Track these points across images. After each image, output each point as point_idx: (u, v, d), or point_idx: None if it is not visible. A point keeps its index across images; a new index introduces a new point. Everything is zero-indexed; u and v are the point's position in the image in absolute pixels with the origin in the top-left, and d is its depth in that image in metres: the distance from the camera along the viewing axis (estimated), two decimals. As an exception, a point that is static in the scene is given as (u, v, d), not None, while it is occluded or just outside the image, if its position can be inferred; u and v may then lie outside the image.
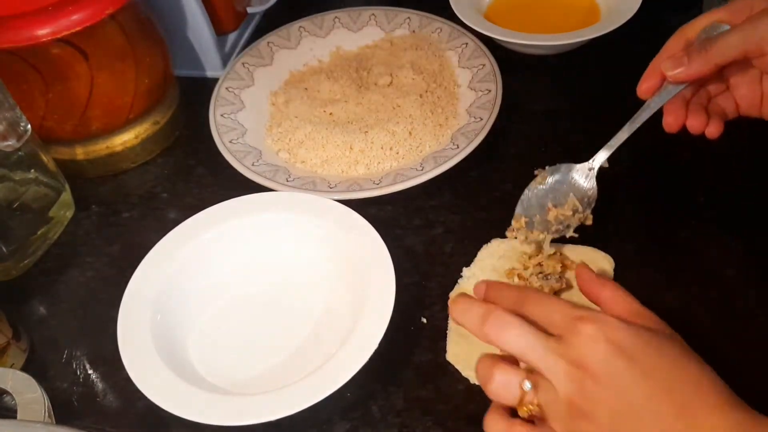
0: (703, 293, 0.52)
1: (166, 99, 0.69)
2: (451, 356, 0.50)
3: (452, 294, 0.53)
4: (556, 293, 0.52)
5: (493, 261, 0.55)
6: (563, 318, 0.37)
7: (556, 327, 0.37)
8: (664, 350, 0.36)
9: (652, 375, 0.35)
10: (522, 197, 0.54)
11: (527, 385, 0.37)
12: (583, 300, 0.51)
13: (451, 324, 0.52)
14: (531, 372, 0.37)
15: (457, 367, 0.49)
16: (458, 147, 0.61)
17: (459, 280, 0.54)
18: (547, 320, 0.38)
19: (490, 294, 0.42)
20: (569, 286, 0.52)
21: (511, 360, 0.39)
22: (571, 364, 0.35)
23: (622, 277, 0.53)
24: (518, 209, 0.54)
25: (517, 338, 0.37)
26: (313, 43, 0.76)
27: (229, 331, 0.53)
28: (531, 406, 0.37)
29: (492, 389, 0.38)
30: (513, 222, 0.54)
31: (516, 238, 0.53)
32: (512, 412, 0.39)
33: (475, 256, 0.56)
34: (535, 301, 0.39)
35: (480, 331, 0.38)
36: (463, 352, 0.50)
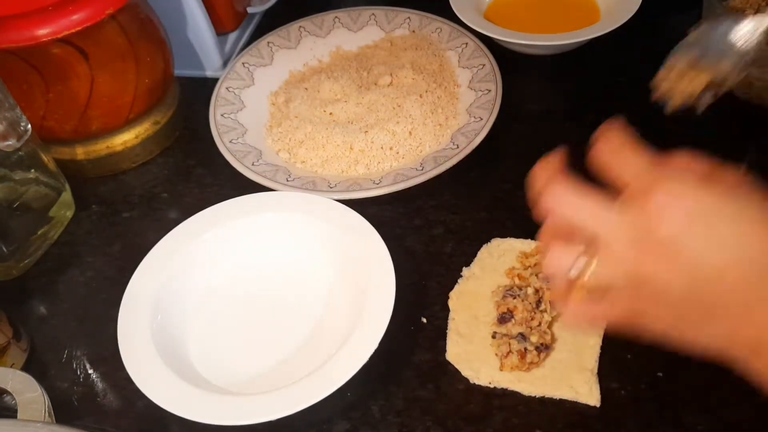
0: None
1: (167, 99, 0.69)
2: (450, 356, 0.50)
3: (452, 294, 0.53)
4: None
5: (492, 261, 0.55)
6: (635, 180, 0.33)
7: (627, 188, 0.34)
8: (743, 213, 0.32)
9: (727, 243, 0.31)
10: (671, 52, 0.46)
11: (581, 262, 0.33)
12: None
13: (450, 324, 0.52)
14: (590, 246, 0.34)
15: (457, 366, 0.49)
16: (458, 147, 0.61)
17: (459, 280, 0.54)
18: (620, 178, 0.34)
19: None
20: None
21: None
22: (636, 238, 0.32)
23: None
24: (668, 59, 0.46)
25: (572, 210, 0.34)
26: (314, 43, 0.76)
27: (229, 331, 0.53)
28: (588, 281, 0.33)
29: (547, 269, 0.35)
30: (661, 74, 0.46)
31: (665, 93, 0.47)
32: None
33: (475, 256, 0.56)
34: (614, 152, 0.35)
35: (540, 201, 0.36)
36: (462, 352, 0.50)
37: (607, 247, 0.33)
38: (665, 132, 0.65)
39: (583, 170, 0.63)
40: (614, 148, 0.35)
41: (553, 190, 0.35)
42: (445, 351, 0.50)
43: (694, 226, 0.31)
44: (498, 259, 0.55)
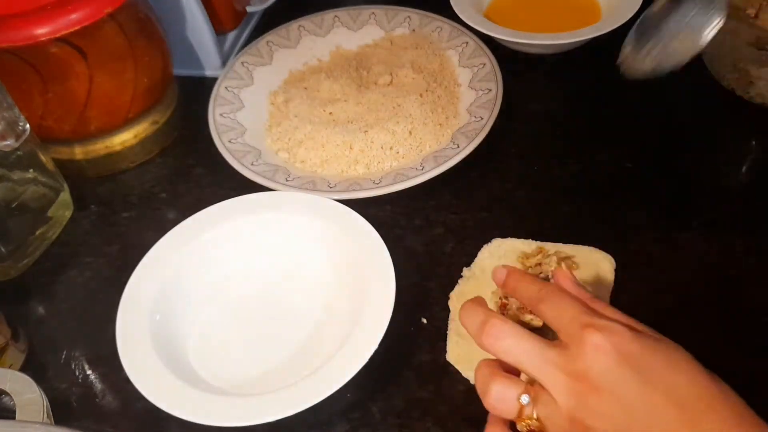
0: (703, 293, 0.52)
1: (165, 98, 0.68)
2: (451, 357, 0.50)
3: (452, 294, 0.53)
4: None
5: (493, 261, 0.55)
6: (571, 323, 0.35)
7: (563, 332, 0.36)
8: (674, 361, 0.34)
9: (660, 387, 0.33)
10: (641, 19, 0.48)
11: (525, 399, 0.35)
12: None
13: (451, 324, 0.52)
14: (532, 384, 0.36)
15: (458, 368, 0.49)
16: (458, 147, 0.61)
17: (459, 280, 0.54)
18: (557, 323, 0.37)
19: (508, 284, 0.41)
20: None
21: (513, 368, 0.37)
22: (573, 376, 0.34)
23: (622, 277, 0.53)
24: (630, 34, 0.48)
25: (513, 349, 0.36)
26: (313, 43, 0.76)
27: (229, 332, 0.53)
28: (530, 421, 0.35)
29: (489, 402, 0.37)
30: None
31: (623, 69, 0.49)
32: (513, 424, 0.38)
33: (475, 256, 0.55)
34: (550, 302, 0.37)
35: (478, 340, 0.38)
36: (463, 353, 0.50)
37: (546, 385, 0.35)
38: (666, 133, 0.65)
39: (583, 168, 0.62)
40: (547, 297, 0.38)
41: (493, 331, 0.37)
42: (445, 352, 0.50)
43: (628, 365, 0.33)
44: (499, 259, 0.55)
